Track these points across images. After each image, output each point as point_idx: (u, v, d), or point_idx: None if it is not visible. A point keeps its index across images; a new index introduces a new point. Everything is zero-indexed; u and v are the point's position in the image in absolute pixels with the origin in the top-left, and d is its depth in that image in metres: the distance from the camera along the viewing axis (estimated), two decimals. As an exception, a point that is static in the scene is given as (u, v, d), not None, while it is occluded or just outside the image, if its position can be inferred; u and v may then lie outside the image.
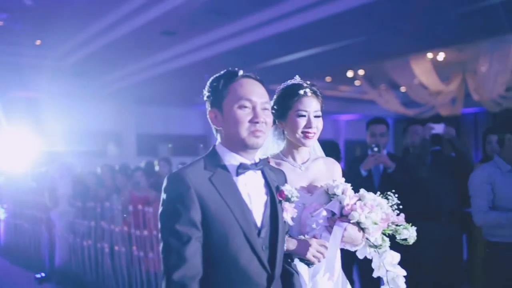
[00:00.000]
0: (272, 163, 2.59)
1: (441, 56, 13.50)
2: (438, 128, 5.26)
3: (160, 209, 2.15)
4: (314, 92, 2.66)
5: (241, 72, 2.28)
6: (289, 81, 2.74)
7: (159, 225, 2.14)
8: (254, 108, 2.21)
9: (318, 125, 2.64)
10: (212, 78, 2.33)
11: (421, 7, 8.59)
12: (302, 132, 2.62)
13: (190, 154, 18.80)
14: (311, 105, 2.62)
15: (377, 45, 11.17)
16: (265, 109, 2.24)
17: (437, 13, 8.85)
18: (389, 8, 8.60)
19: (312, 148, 2.84)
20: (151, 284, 6.20)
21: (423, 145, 5.31)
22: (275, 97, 2.72)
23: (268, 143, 2.77)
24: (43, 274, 8.10)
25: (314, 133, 2.63)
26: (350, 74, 15.33)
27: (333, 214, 2.54)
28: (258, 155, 2.30)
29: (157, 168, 8.73)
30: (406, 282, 2.69)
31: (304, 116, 2.61)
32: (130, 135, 17.62)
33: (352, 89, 17.17)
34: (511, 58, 12.04)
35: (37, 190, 10.02)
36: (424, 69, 13.89)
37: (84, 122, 14.98)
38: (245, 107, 2.20)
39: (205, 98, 2.34)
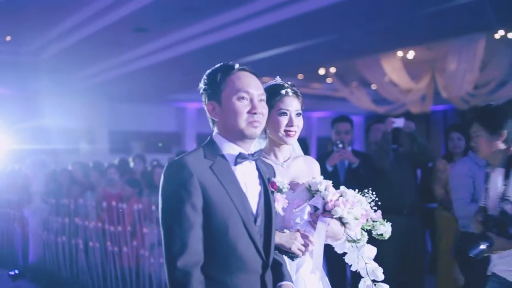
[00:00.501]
0: None
1: (411, 55, 13.71)
2: (399, 122, 5.54)
3: (161, 196, 2.19)
4: (295, 92, 2.77)
5: (237, 65, 2.37)
6: (270, 81, 2.84)
7: (160, 212, 2.19)
8: (251, 100, 2.30)
9: (299, 123, 2.75)
10: (208, 71, 2.41)
11: (391, 7, 8.75)
12: (284, 131, 2.72)
13: (163, 151, 18.78)
14: (293, 105, 2.73)
15: (348, 44, 11.31)
16: (261, 100, 2.34)
17: (406, 13, 9.03)
18: (360, 7, 8.76)
19: (292, 147, 2.92)
20: (125, 279, 6.25)
21: (384, 137, 5.58)
22: None
23: None
24: (16, 271, 8.05)
25: (295, 131, 2.73)
26: (322, 71, 15.47)
27: (316, 209, 2.62)
28: (253, 147, 2.39)
29: (131, 165, 8.76)
30: None
31: (286, 114, 2.71)
32: (102, 132, 17.47)
33: (324, 86, 17.32)
34: (478, 57, 12.31)
35: (10, 187, 9.96)
36: (395, 67, 14.10)
37: (56, 119, 14.85)
38: (243, 98, 2.28)
39: (201, 91, 2.40)
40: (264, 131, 2.80)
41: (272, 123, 2.73)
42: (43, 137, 13.42)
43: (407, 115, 17.08)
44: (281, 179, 2.47)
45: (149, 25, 10.56)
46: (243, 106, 2.28)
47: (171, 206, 2.16)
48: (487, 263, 3.47)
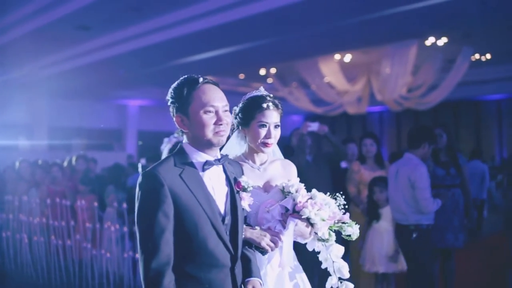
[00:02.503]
0: None
1: (348, 58, 14.23)
2: (314, 126, 6.01)
3: (137, 203, 2.41)
4: (276, 105, 2.94)
5: (201, 79, 2.51)
6: (254, 92, 3.00)
7: (136, 219, 2.41)
8: (217, 112, 2.48)
9: (276, 135, 2.94)
10: (174, 85, 2.55)
11: (328, 13, 9.15)
12: (262, 142, 2.90)
13: (104, 148, 18.69)
14: (272, 117, 2.91)
15: (287, 46, 11.69)
16: (226, 111, 2.51)
17: (342, 19, 9.45)
18: (299, 12, 9.08)
19: (272, 150, 3.09)
20: (69, 271, 6.51)
21: (301, 138, 6.02)
22: (240, 105, 2.98)
23: (232, 145, 3.05)
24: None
25: (272, 143, 2.93)
26: (262, 72, 15.84)
27: (287, 210, 2.82)
28: (219, 152, 2.62)
29: (74, 164, 8.87)
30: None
31: (265, 127, 2.89)
32: (41, 128, 17.19)
33: (264, 86, 17.63)
34: (410, 62, 12.94)
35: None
36: (332, 70, 14.59)
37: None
38: (210, 112, 2.46)
39: (169, 104, 2.55)
40: (244, 136, 2.99)
41: (252, 133, 2.91)
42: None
43: (344, 116, 17.74)
44: (246, 179, 2.64)
45: (92, 23, 10.60)
46: (209, 119, 2.46)
47: (144, 214, 2.38)
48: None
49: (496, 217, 13.59)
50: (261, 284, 2.62)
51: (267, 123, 2.89)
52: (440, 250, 5.95)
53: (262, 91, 2.99)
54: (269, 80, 16.45)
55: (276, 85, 16.10)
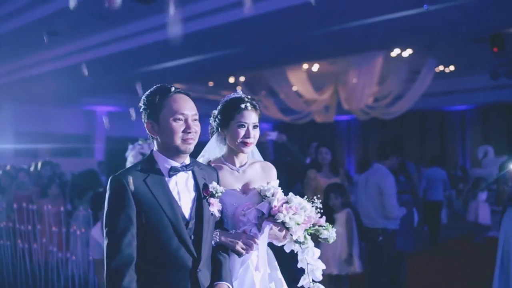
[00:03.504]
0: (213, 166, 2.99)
1: (315, 67, 14.43)
2: (272, 135, 6.25)
3: (105, 206, 2.54)
4: (254, 106, 3.02)
5: (173, 89, 2.62)
6: (232, 94, 3.09)
7: (103, 220, 2.52)
8: (186, 120, 2.58)
9: (255, 134, 3.02)
10: (147, 93, 2.67)
11: (295, 24, 9.31)
12: (242, 141, 2.98)
13: (71, 154, 18.54)
14: (251, 117, 2.99)
15: (255, 56, 11.82)
16: (195, 120, 2.62)
17: (309, 30, 9.62)
18: (266, 23, 9.22)
19: (251, 153, 3.20)
20: (35, 274, 6.53)
21: (260, 146, 6.21)
22: (219, 107, 3.07)
23: (212, 147, 3.14)
24: None
25: (252, 142, 3.01)
26: (231, 80, 15.96)
27: (263, 213, 2.88)
28: (189, 159, 2.72)
29: (39, 169, 8.89)
30: None
31: (244, 127, 2.97)
32: (7, 133, 17.03)
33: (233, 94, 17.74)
34: (376, 72, 13.20)
35: None
36: (300, 79, 14.77)
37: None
38: (179, 119, 2.57)
39: (141, 110, 2.67)
40: (224, 138, 3.08)
41: (231, 133, 2.99)
42: None
43: (313, 124, 17.95)
44: (215, 185, 2.71)
45: (60, 29, 10.58)
46: (178, 126, 2.57)
47: (108, 215, 2.50)
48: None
49: (456, 223, 14.02)
50: None
51: (245, 123, 2.97)
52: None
53: (240, 93, 3.07)
54: (238, 88, 16.49)
55: (245, 93, 16.14)
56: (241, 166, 3.07)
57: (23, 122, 17.11)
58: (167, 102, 2.58)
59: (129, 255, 2.46)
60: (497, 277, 5.63)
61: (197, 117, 2.65)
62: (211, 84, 17.00)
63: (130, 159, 6.09)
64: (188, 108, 2.60)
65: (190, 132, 2.58)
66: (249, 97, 3.05)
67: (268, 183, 3.03)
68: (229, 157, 3.08)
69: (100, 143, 19.75)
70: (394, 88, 14.95)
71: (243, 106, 2.97)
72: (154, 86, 2.68)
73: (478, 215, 11.52)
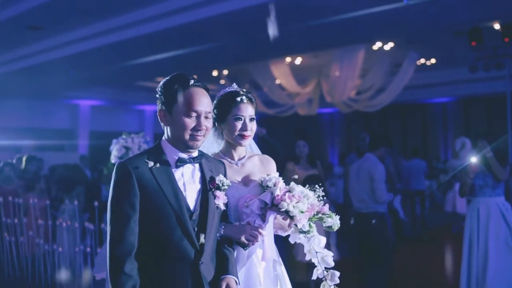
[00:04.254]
0: None
1: (298, 61, 14.52)
2: None
3: (110, 193, 2.52)
4: (250, 99, 3.02)
5: (192, 81, 2.57)
6: (228, 88, 3.09)
7: (108, 207, 2.51)
8: (198, 117, 2.55)
9: (252, 127, 3.02)
10: (165, 80, 2.63)
11: (278, 17, 9.35)
12: (239, 134, 2.98)
13: (54, 149, 18.48)
14: (247, 110, 2.99)
15: (237, 49, 11.89)
16: (207, 117, 2.58)
17: (292, 24, 9.69)
18: (247, 17, 9.29)
19: (249, 146, 3.21)
20: (22, 266, 6.61)
21: None
22: (215, 102, 3.00)
23: (209, 142, 3.13)
24: None
25: (249, 135, 3.02)
26: (215, 73, 16.01)
27: (266, 204, 2.87)
28: (196, 151, 2.68)
29: (24, 163, 8.92)
30: None
31: (241, 120, 2.97)
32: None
33: (217, 87, 17.80)
34: (358, 66, 13.34)
35: None
36: (283, 72, 14.86)
37: None
38: (192, 116, 2.54)
39: (157, 96, 2.63)
40: (221, 132, 3.08)
41: (228, 127, 2.98)
42: None
43: (296, 117, 18.07)
44: (222, 178, 2.68)
45: (43, 23, 10.56)
46: (190, 122, 2.53)
47: (113, 202, 2.50)
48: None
49: (437, 213, 14.30)
50: (236, 282, 2.65)
51: (242, 116, 2.97)
52: None
53: (235, 87, 3.08)
54: (222, 82, 16.59)
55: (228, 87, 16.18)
56: (239, 160, 3.09)
57: (5, 116, 16.96)
58: (183, 95, 2.54)
59: (132, 243, 2.46)
60: (464, 267, 5.93)
61: (210, 115, 2.62)
62: (194, 77, 16.97)
63: (115, 152, 6.16)
64: (203, 104, 2.57)
65: (200, 130, 2.55)
66: (244, 90, 3.06)
67: (267, 175, 3.01)
68: (227, 151, 3.09)
69: (83, 137, 19.68)
70: (376, 81, 15.09)
71: (238, 99, 2.97)
72: (173, 74, 2.64)
73: (455, 205, 11.78)
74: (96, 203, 6.14)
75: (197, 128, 2.54)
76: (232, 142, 3.04)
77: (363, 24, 9.73)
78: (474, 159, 5.81)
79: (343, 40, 11.62)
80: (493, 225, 5.88)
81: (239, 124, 2.97)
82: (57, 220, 6.58)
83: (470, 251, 5.95)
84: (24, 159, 8.94)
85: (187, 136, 2.54)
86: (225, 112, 2.99)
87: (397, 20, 9.59)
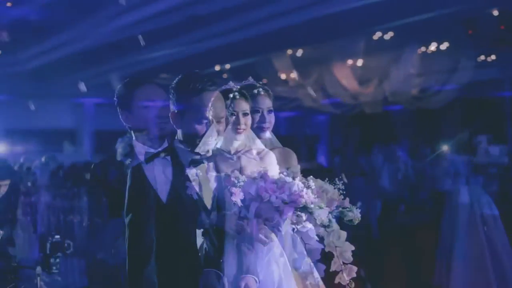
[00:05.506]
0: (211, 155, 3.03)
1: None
2: None
3: (126, 194, 2.59)
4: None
5: (209, 83, 2.66)
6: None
7: (125, 207, 2.59)
8: (207, 124, 2.64)
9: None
10: (178, 79, 2.71)
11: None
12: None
13: (54, 150, 18.29)
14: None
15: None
16: (220, 122, 2.69)
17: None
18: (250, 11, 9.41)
19: (270, 140, 3.28)
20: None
21: None
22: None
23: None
24: None
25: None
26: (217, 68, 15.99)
27: (283, 199, 2.81)
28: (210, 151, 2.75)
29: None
30: None
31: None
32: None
33: (219, 82, 17.69)
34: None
35: None
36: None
37: None
38: (202, 123, 2.62)
39: (170, 96, 2.71)
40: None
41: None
42: None
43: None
44: (238, 174, 2.74)
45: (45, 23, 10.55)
46: (201, 129, 2.62)
47: (129, 204, 2.58)
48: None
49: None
50: (256, 281, 2.67)
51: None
52: None
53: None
54: (224, 76, 16.55)
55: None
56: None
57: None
58: (196, 100, 2.61)
59: (151, 239, 2.52)
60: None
61: (223, 119, 2.69)
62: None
63: (120, 150, 6.16)
64: (216, 110, 2.64)
65: (211, 136, 2.64)
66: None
67: (287, 168, 3.01)
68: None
69: (88, 136, 19.49)
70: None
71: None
72: (186, 74, 2.70)
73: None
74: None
75: (206, 134, 2.62)
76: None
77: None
78: None
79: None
80: None
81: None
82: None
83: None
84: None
85: (198, 142, 2.63)
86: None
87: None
